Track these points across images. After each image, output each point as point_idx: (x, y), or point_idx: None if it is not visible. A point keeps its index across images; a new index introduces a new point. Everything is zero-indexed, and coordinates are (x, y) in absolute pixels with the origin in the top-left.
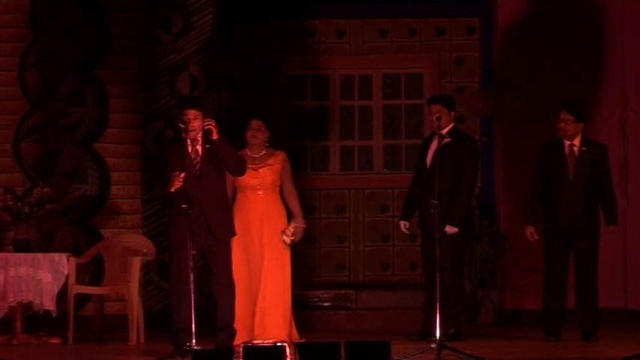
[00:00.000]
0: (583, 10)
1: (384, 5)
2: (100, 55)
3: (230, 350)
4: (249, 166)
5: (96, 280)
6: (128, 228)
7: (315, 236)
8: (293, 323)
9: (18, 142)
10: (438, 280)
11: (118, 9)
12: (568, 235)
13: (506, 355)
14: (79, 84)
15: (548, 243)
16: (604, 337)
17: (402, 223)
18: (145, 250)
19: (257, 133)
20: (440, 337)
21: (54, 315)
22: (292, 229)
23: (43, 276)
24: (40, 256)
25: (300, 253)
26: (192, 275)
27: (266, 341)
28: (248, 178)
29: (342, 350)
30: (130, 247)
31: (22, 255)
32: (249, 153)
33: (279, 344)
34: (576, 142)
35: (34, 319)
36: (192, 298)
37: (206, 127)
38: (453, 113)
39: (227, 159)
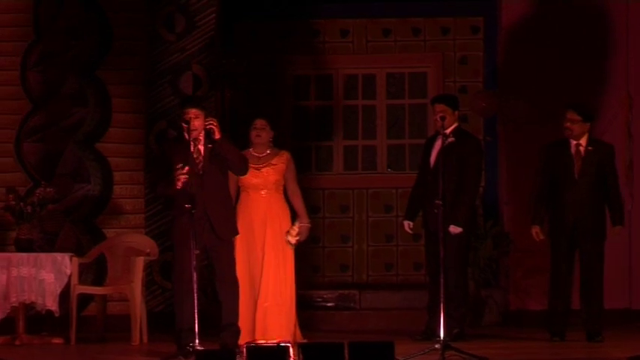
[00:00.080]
0: (587, 12)
1: (388, 4)
2: (102, 56)
3: (233, 350)
4: (253, 165)
5: (98, 280)
6: (131, 228)
7: (318, 236)
8: (297, 323)
9: (20, 141)
10: (441, 281)
11: (120, 9)
12: (574, 235)
13: (510, 356)
14: (81, 84)
15: (553, 243)
16: (609, 337)
17: (405, 222)
18: (148, 250)
19: (261, 132)
20: (444, 337)
21: (56, 315)
22: (297, 229)
23: (45, 276)
24: (43, 256)
25: (304, 253)
26: (195, 275)
27: (270, 341)
28: (251, 178)
29: (346, 350)
30: (133, 247)
31: (24, 255)
32: (253, 152)
33: (282, 344)
34: (583, 141)
35: (36, 320)
36: (196, 297)
37: (208, 127)
38: (456, 113)
39: (229, 158)
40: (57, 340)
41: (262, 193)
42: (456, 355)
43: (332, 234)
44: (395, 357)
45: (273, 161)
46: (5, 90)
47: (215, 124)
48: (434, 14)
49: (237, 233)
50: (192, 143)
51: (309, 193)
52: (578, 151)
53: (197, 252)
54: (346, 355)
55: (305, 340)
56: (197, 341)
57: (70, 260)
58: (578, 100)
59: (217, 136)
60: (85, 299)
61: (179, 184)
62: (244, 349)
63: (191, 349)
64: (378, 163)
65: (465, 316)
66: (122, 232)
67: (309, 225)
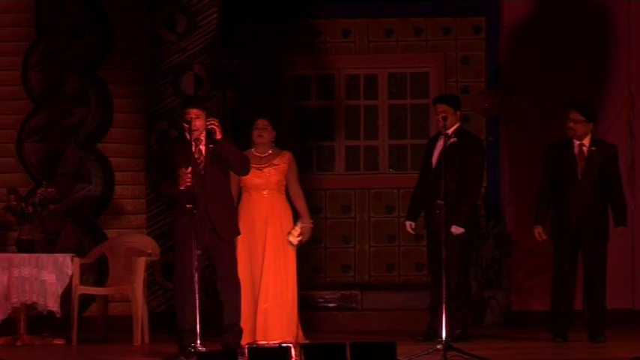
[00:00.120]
0: (589, 11)
1: (390, 4)
2: (103, 55)
3: (235, 351)
4: (254, 165)
5: (100, 281)
6: (132, 228)
7: (320, 236)
8: (299, 324)
9: (21, 141)
10: (444, 281)
11: (121, 9)
12: (577, 235)
13: (512, 356)
14: (82, 84)
15: (556, 243)
16: (611, 338)
17: (407, 223)
18: (150, 251)
19: (263, 132)
20: (446, 337)
21: (58, 316)
22: (299, 230)
23: (46, 276)
24: (44, 256)
25: (306, 254)
26: (196, 275)
27: (271, 342)
28: (252, 178)
29: (348, 351)
30: (135, 247)
31: (25, 255)
32: (254, 152)
33: (284, 345)
34: (586, 141)
35: (37, 320)
36: (197, 298)
37: (209, 127)
38: (458, 113)
39: (231, 158)
40: (58, 341)
41: (264, 193)
42: (458, 355)
43: (334, 234)
44: (397, 357)
45: (275, 161)
46: (6, 90)
47: (216, 124)
48: (435, 14)
49: (238, 233)
50: (193, 143)
51: (310, 193)
52: (581, 151)
53: (198, 252)
54: (348, 356)
55: (307, 341)
56: (199, 342)
57: (72, 261)
58: (581, 99)
59: (219, 136)
60: (86, 300)
61: (183, 186)
62: (246, 350)
63: (193, 350)
64: (380, 163)
65: (466, 317)
66: (123, 233)
67: (311, 225)
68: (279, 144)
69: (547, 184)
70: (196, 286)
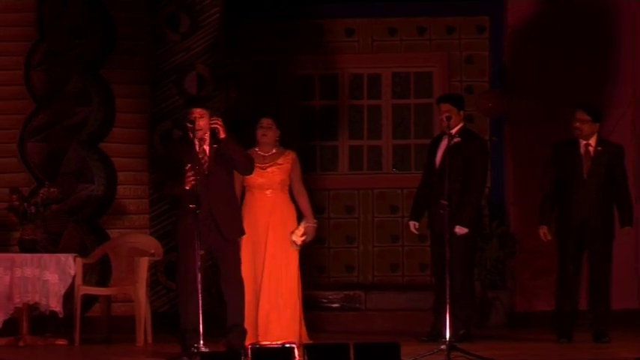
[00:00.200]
0: (593, 10)
1: (394, 4)
2: (105, 55)
3: (238, 352)
4: (258, 164)
5: (103, 281)
6: (135, 228)
7: (324, 237)
8: (303, 324)
9: (24, 141)
10: (447, 281)
11: (124, 8)
12: (582, 235)
13: (516, 357)
14: (84, 83)
15: (561, 243)
16: (616, 338)
17: (411, 223)
18: (153, 251)
19: (267, 131)
20: (449, 338)
21: (60, 316)
22: (303, 230)
23: (49, 277)
24: (47, 256)
25: (309, 254)
26: (199, 275)
27: (274, 342)
28: (256, 177)
29: (351, 351)
30: (137, 247)
31: (28, 255)
32: (258, 152)
33: (287, 345)
34: (592, 141)
35: (40, 320)
36: (200, 298)
37: (212, 126)
38: (462, 113)
39: (235, 158)
40: (61, 341)
41: (267, 192)
42: (462, 356)
43: (337, 235)
44: (400, 358)
45: (279, 161)
46: (9, 90)
47: (220, 123)
48: (439, 13)
49: (243, 233)
50: (197, 143)
51: (314, 193)
52: (587, 151)
53: (201, 252)
54: (351, 356)
55: (310, 341)
56: (202, 342)
57: (74, 261)
58: (585, 99)
59: (222, 135)
60: (89, 300)
61: (189, 185)
62: (249, 350)
63: (196, 350)
64: (384, 163)
65: (470, 317)
66: (126, 233)
67: (315, 225)
68: (284, 144)
69: (549, 183)
70: (199, 286)
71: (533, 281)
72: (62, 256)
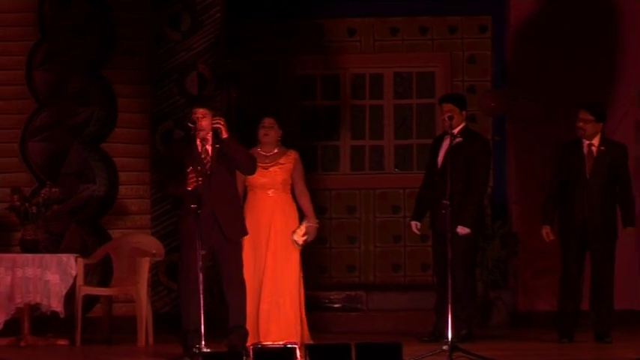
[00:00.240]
0: (596, 10)
1: (396, 3)
2: (107, 55)
3: (239, 353)
4: (260, 164)
5: (104, 281)
6: (137, 228)
7: (325, 237)
8: (305, 324)
9: (25, 141)
10: (449, 282)
11: (125, 8)
12: (584, 235)
13: (518, 357)
14: (86, 83)
15: (564, 243)
16: (618, 338)
17: (413, 223)
18: (154, 251)
19: (269, 131)
20: (451, 338)
21: (62, 316)
22: (304, 229)
23: (50, 277)
24: (48, 256)
25: (311, 254)
26: (201, 276)
27: (276, 343)
28: (258, 177)
29: (353, 352)
30: (139, 247)
31: (29, 256)
32: (260, 151)
33: (289, 346)
34: (595, 141)
35: (41, 321)
36: (202, 298)
37: (215, 126)
38: (464, 112)
39: (237, 158)
40: (62, 342)
41: (269, 192)
42: (464, 356)
43: (339, 235)
44: (402, 358)
45: (281, 160)
46: (10, 89)
47: (222, 123)
48: (441, 13)
49: (246, 234)
50: (199, 143)
51: (315, 193)
52: (590, 151)
53: (203, 252)
54: (353, 357)
55: (312, 342)
56: (203, 343)
57: (76, 261)
58: (588, 99)
59: (225, 135)
60: (90, 300)
61: (192, 186)
62: (250, 351)
63: (197, 351)
64: (386, 163)
65: (472, 317)
66: (128, 233)
67: (316, 225)
68: (285, 144)
69: (556, 183)
70: (201, 287)
71: (535, 281)
72: (63, 257)
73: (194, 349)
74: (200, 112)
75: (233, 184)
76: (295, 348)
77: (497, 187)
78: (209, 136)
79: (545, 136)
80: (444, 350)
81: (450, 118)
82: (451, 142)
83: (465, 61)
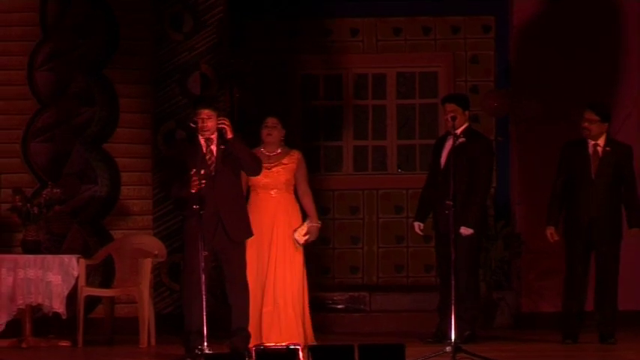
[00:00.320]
0: (599, 10)
1: (398, 3)
2: (109, 55)
3: (242, 354)
4: (263, 164)
5: (106, 282)
6: (139, 229)
7: (328, 237)
8: (309, 325)
9: (27, 142)
10: (452, 282)
11: (127, 8)
12: (589, 236)
13: (522, 358)
14: (88, 83)
15: (568, 244)
16: (622, 339)
17: (416, 224)
18: (156, 252)
19: (272, 131)
20: (455, 339)
21: (63, 317)
22: (306, 228)
23: (52, 278)
24: (50, 257)
25: (314, 255)
26: (203, 277)
27: (279, 344)
28: (261, 177)
29: (356, 353)
30: (141, 248)
31: (31, 257)
32: (263, 151)
33: (292, 347)
34: (600, 141)
35: (43, 322)
36: (204, 300)
37: (220, 126)
38: (467, 113)
39: (242, 158)
40: (64, 343)
41: (272, 192)
42: (467, 357)
43: (342, 235)
44: (405, 359)
45: (284, 160)
46: (12, 90)
47: (227, 123)
48: (444, 13)
49: (251, 235)
50: (204, 144)
51: (318, 194)
52: (595, 151)
53: (206, 253)
54: (356, 358)
55: (315, 343)
56: (205, 344)
57: (78, 262)
58: (590, 99)
59: (230, 135)
60: (92, 301)
61: (195, 188)
62: (253, 352)
63: (199, 352)
64: (389, 163)
65: (476, 318)
66: (130, 234)
67: (319, 225)
68: (288, 144)
69: (560, 184)
70: (203, 288)
71: (538, 282)
72: (65, 258)
73: (196, 351)
74: (205, 112)
75: (238, 185)
76: (298, 349)
77: (501, 187)
78: (214, 137)
79: (549, 136)
80: (447, 351)
81: (453, 119)
82: (454, 142)
83: (468, 61)
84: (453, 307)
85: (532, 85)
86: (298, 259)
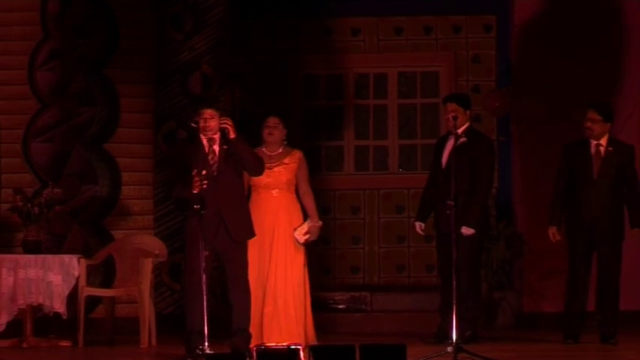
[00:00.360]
0: (601, 10)
1: (400, 2)
2: (109, 54)
3: (242, 354)
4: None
5: (107, 282)
6: (139, 229)
7: (329, 237)
8: (311, 325)
9: (27, 142)
10: (454, 283)
11: (127, 8)
12: (591, 236)
13: (523, 359)
14: (88, 83)
15: (571, 245)
16: (623, 339)
17: (417, 224)
18: (157, 252)
19: (274, 130)
20: (456, 339)
21: (64, 317)
22: (306, 228)
23: (53, 278)
24: (50, 257)
25: (314, 255)
26: (204, 277)
27: (280, 344)
28: (262, 177)
29: (357, 353)
30: (142, 248)
31: (32, 257)
32: (264, 151)
33: (293, 347)
34: (603, 141)
35: (44, 322)
36: (205, 300)
37: (222, 126)
38: (468, 112)
39: (245, 158)
40: (65, 343)
41: (273, 192)
42: (469, 357)
43: (343, 235)
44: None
45: (286, 160)
46: (13, 89)
47: (230, 123)
48: (446, 12)
49: (253, 235)
50: (206, 144)
51: (319, 193)
52: (598, 151)
53: (206, 253)
54: (357, 358)
55: (315, 343)
56: (206, 344)
57: (78, 262)
58: (592, 98)
59: (232, 135)
60: (93, 301)
61: (197, 189)
62: (254, 352)
63: (200, 352)
64: (390, 163)
65: (477, 319)
66: (130, 234)
67: (319, 225)
68: (290, 143)
69: (562, 183)
70: (204, 288)
71: (540, 282)
72: (66, 257)
73: (197, 351)
74: (208, 112)
75: (240, 186)
76: (299, 349)
77: (502, 187)
78: (217, 137)
79: (550, 136)
80: (449, 351)
81: (455, 118)
82: (455, 142)
83: (469, 60)
84: (454, 307)
85: (533, 85)
86: (300, 259)
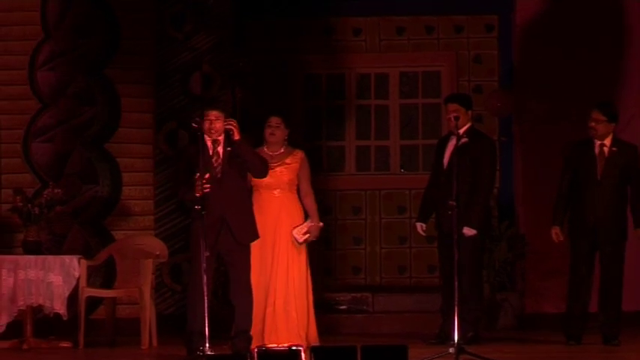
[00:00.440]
0: (603, 10)
1: (401, 2)
2: (110, 54)
3: (243, 355)
4: None
5: (107, 283)
6: (140, 229)
7: (330, 238)
8: (313, 326)
9: (28, 142)
10: (455, 283)
11: (128, 7)
12: (595, 237)
13: None
14: (89, 83)
15: (573, 245)
16: (626, 341)
17: (418, 224)
18: (158, 252)
19: (276, 130)
20: (458, 340)
21: (65, 318)
22: (306, 227)
23: (53, 279)
24: (51, 258)
25: (316, 256)
26: (204, 278)
27: (281, 345)
28: None
29: (359, 354)
30: (143, 248)
31: (32, 257)
32: (266, 151)
33: (294, 348)
34: (607, 142)
35: (44, 323)
36: (206, 301)
37: (227, 127)
38: (470, 112)
39: (249, 159)
40: (65, 344)
41: (275, 192)
42: (470, 358)
43: (344, 236)
44: None
45: (287, 160)
46: (13, 89)
47: (234, 124)
48: (447, 12)
49: (257, 237)
50: (211, 145)
51: (320, 194)
52: (601, 151)
53: (207, 254)
54: (359, 359)
55: (317, 344)
56: (207, 345)
57: (79, 262)
58: (595, 99)
59: (237, 136)
60: (93, 302)
61: (200, 192)
62: (255, 353)
63: (201, 353)
64: (391, 163)
65: (479, 319)
66: (131, 234)
67: (320, 225)
68: (291, 143)
69: (566, 183)
70: (205, 289)
71: (542, 283)
72: (66, 258)
73: (198, 352)
74: (214, 114)
75: (244, 187)
76: (300, 350)
77: (504, 187)
78: (221, 139)
79: (552, 136)
80: (450, 352)
81: (456, 118)
82: (457, 142)
83: (471, 60)
84: (456, 308)
85: (535, 85)
86: (301, 260)
